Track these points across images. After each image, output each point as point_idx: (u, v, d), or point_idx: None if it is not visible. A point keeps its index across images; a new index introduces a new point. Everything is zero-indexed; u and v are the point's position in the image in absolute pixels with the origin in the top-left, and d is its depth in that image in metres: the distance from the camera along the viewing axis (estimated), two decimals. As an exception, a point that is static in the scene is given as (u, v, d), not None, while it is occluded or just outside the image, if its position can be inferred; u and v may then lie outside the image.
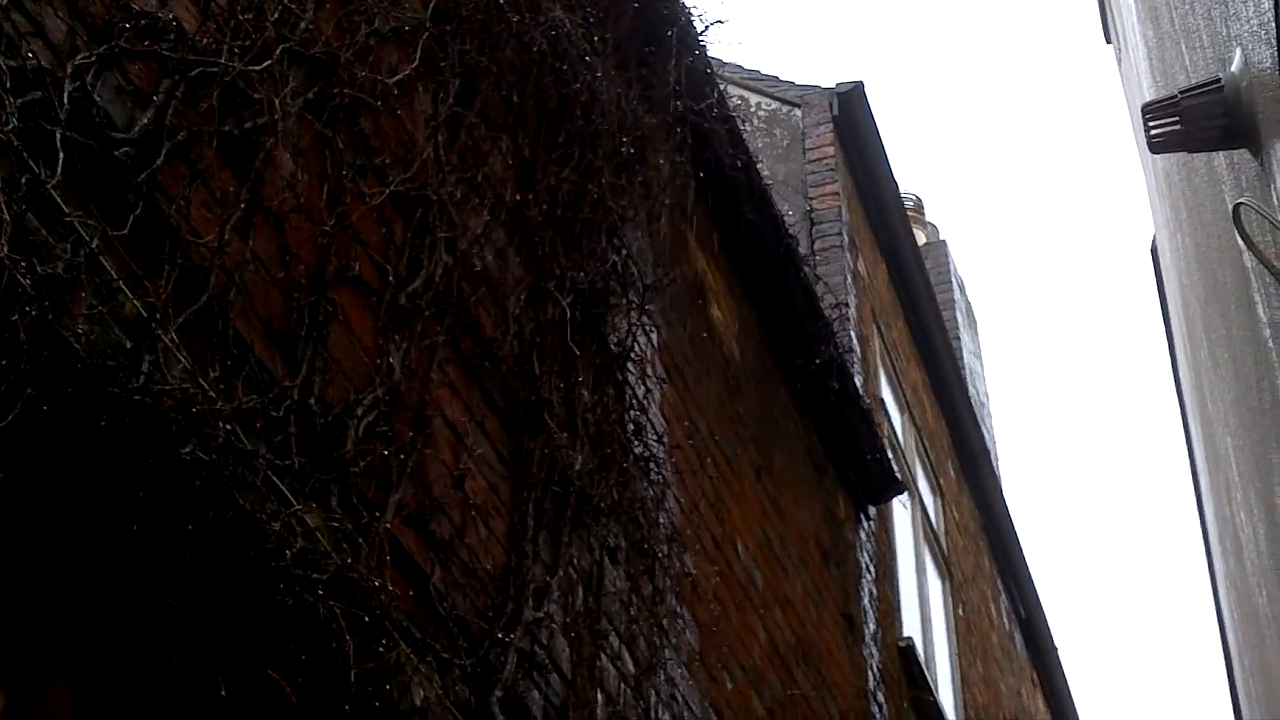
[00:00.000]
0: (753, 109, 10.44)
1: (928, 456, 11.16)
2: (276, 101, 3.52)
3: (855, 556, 8.21)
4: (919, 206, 16.66)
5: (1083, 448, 45.02)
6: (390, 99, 4.13)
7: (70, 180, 2.80)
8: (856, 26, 44.86)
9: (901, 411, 10.61)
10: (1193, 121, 4.10)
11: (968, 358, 15.36)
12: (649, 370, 5.62)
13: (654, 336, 5.77)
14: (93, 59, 2.98)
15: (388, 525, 3.56)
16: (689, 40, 6.35)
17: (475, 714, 3.70)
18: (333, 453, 3.45)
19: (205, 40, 3.35)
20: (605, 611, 4.77)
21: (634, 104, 5.70)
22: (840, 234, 9.68)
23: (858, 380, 8.70)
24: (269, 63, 3.52)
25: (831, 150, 10.12)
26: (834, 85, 10.52)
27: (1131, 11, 8.93)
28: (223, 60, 3.37)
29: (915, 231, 12.86)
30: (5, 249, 2.48)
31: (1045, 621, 13.80)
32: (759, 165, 7.25)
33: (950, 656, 10.44)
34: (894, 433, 10.14)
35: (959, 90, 47.20)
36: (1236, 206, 3.87)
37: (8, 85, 2.70)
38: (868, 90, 10.48)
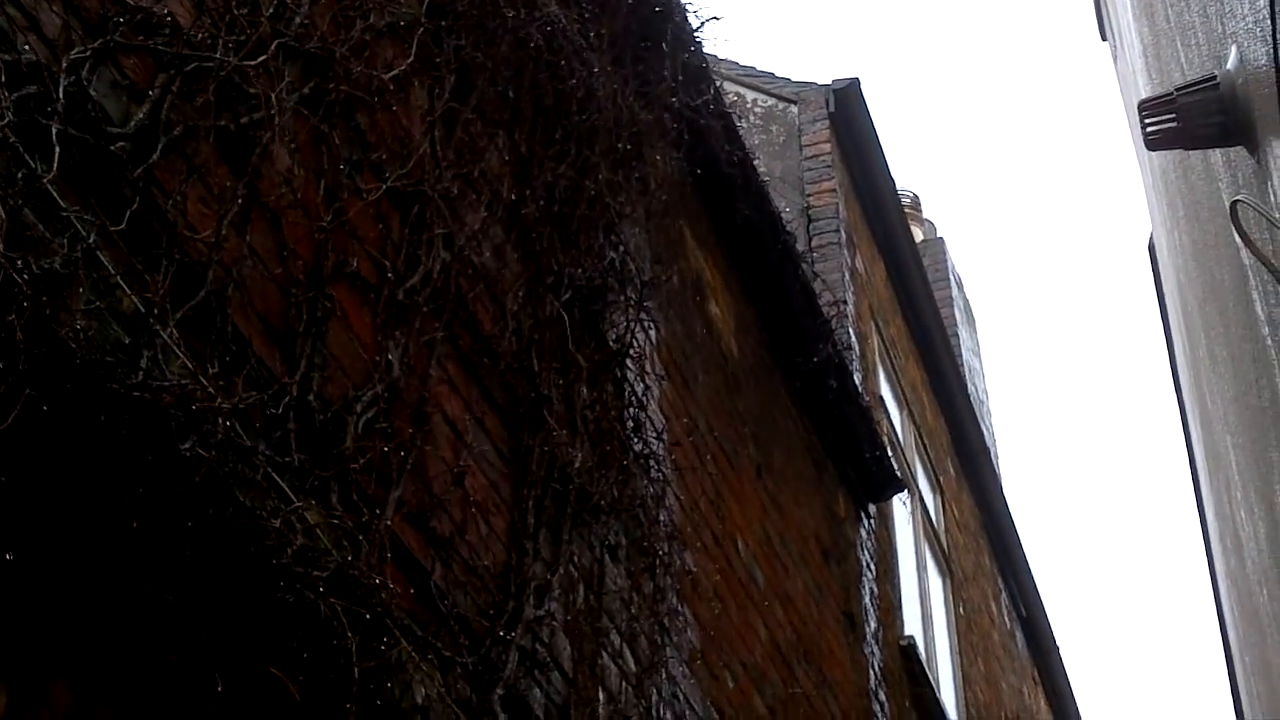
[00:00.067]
0: (749, 105, 10.43)
1: (927, 454, 11.16)
2: (273, 96, 3.50)
3: (856, 554, 8.20)
4: (916, 203, 16.66)
5: (1082, 445, 45.07)
6: (386, 94, 4.11)
7: (66, 175, 2.78)
8: (853, 23, 44.92)
9: (901, 409, 10.60)
10: (1189, 119, 4.09)
11: (966, 355, 15.36)
12: (648, 367, 5.61)
13: (652, 333, 5.76)
14: (88, 53, 2.96)
15: (388, 522, 3.54)
16: (685, 36, 6.34)
17: (477, 712, 3.69)
18: (332, 449, 3.43)
19: (200, 35, 3.34)
20: (606, 609, 4.76)
21: (630, 100, 5.69)
22: (838, 231, 9.67)
23: (857, 378, 8.68)
24: (265, 58, 3.51)
25: (828, 147, 10.11)
26: (830, 82, 10.51)
27: (1127, 8, 8.92)
28: (218, 55, 3.36)
29: (913, 228, 12.85)
30: (1, 245, 2.46)
31: (1046, 619, 13.80)
32: (756, 162, 7.25)
33: (951, 654, 10.43)
34: (893, 430, 10.13)
35: (955, 87, 47.24)
36: (1234, 204, 3.86)
37: (3, 80, 2.69)
38: (864, 87, 10.48)
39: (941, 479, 11.44)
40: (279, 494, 2.98)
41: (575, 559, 4.60)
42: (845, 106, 10.39)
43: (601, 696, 4.55)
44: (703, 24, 6.56)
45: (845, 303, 9.21)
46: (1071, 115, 47.31)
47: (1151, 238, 12.34)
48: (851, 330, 9.23)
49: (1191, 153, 5.38)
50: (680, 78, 6.22)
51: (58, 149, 2.76)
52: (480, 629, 3.92)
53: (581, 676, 4.44)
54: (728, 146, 6.72)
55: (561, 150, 5.16)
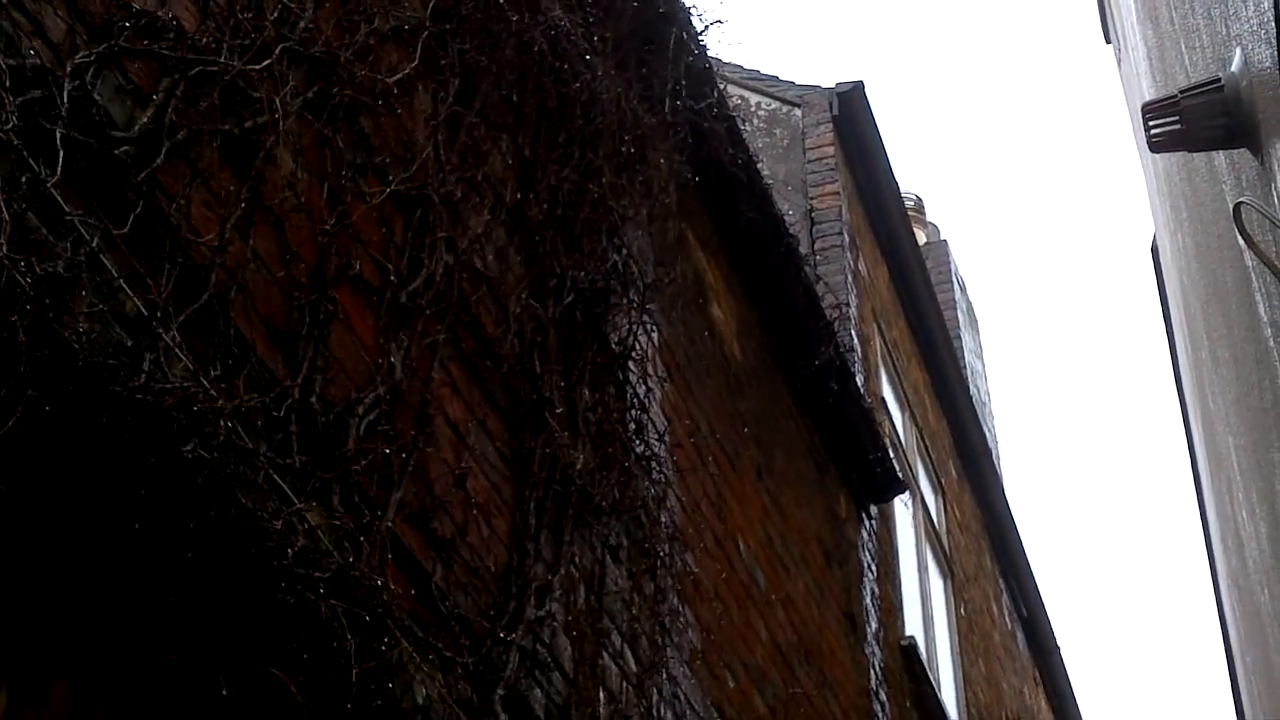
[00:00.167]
0: (753, 108, 10.44)
1: (929, 455, 11.16)
2: (276, 100, 3.52)
3: (857, 555, 8.21)
4: (919, 206, 16.66)
5: (1084, 447, 45.02)
6: (390, 98, 4.13)
7: (70, 179, 2.80)
8: (856, 26, 44.88)
9: (903, 411, 10.61)
10: (1193, 121, 4.09)
11: (969, 357, 15.36)
12: (650, 369, 5.62)
13: (655, 335, 5.77)
14: (92, 58, 2.98)
15: (389, 524, 3.56)
16: (688, 40, 6.35)
17: (478, 712, 3.70)
18: (334, 451, 3.45)
19: (205, 39, 3.35)
20: (607, 610, 4.77)
21: (634, 103, 5.70)
22: (841, 234, 9.68)
23: (859, 380, 8.69)
24: (269, 62, 3.53)
25: (831, 150, 10.11)
26: (834, 85, 10.51)
27: (1131, 11, 8.93)
28: (222, 59, 3.37)
29: (916, 231, 12.86)
30: (5, 248, 2.47)
31: (1047, 620, 13.80)
32: (759, 165, 7.25)
33: (952, 655, 10.44)
34: (895, 432, 10.13)
35: (959, 90, 47.21)
36: (1237, 206, 3.87)
37: (8, 84, 2.70)
38: (868, 90, 10.48)
39: (943, 480, 11.45)
40: (280, 496, 2.99)
41: (576, 560, 4.61)
42: (849, 110, 10.39)
43: (602, 697, 4.56)
44: (706, 27, 6.57)
45: (848, 305, 9.22)
46: (1075, 118, 47.28)
47: (1154, 240, 12.34)
48: (854, 332, 9.24)
49: (1195, 155, 5.39)
50: (684, 81, 6.23)
51: (62, 153, 2.77)
52: (481, 630, 3.93)
53: (582, 677, 4.45)
54: (731, 149, 6.73)
55: (565, 153, 5.17)
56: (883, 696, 7.96)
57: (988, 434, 13.89)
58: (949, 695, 9.95)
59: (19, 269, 2.48)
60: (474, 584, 3.99)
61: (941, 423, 11.94)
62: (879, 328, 10.23)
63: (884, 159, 10.78)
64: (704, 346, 6.44)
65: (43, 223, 2.61)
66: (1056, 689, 14.17)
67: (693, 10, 6.48)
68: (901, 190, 11.40)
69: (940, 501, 11.27)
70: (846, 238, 9.74)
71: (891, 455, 8.85)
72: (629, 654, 4.86)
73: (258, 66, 3.48)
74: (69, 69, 2.90)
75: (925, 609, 9.94)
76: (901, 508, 9.77)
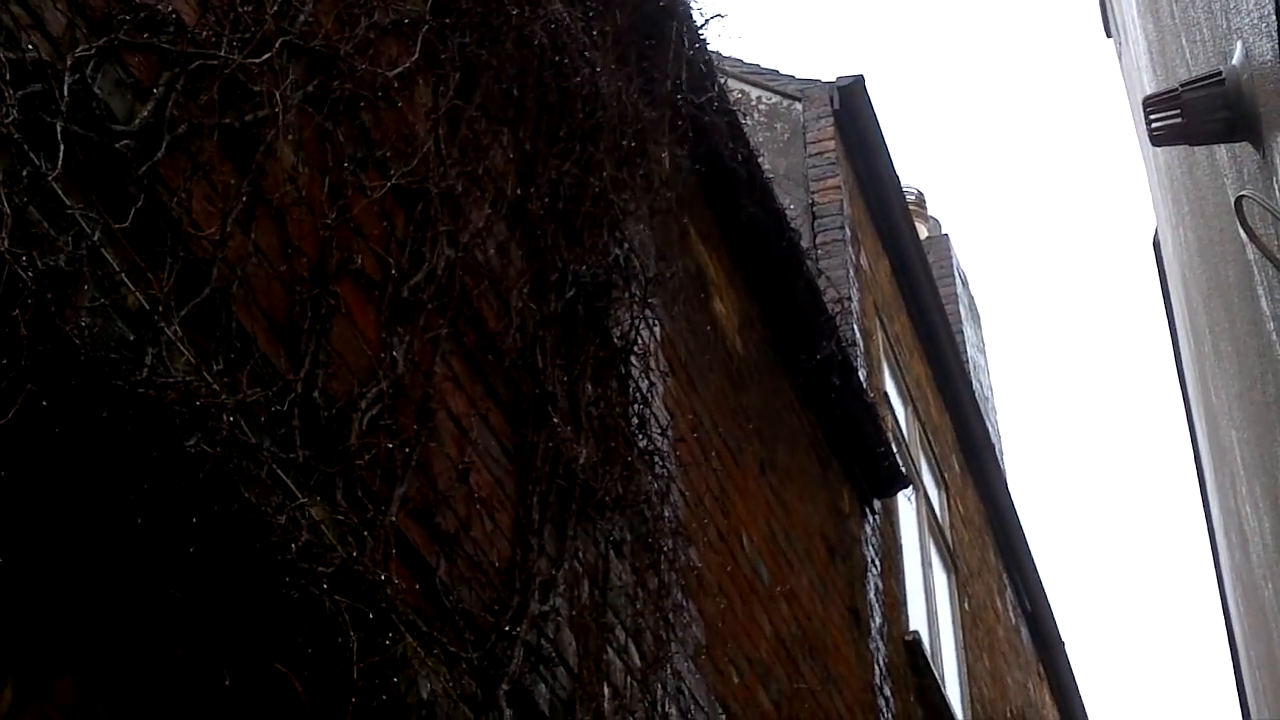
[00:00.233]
0: (753, 103, 10.43)
1: (932, 450, 11.16)
2: (277, 94, 3.51)
3: (860, 550, 8.20)
4: (921, 200, 16.65)
5: (1087, 441, 45.03)
6: (391, 92, 4.12)
7: (71, 173, 2.79)
8: (857, 20, 44.87)
9: (905, 405, 10.60)
10: (1194, 115, 4.09)
11: (971, 351, 15.35)
12: (652, 364, 5.62)
13: (657, 330, 5.76)
14: (92, 51, 2.97)
15: (393, 519, 3.55)
16: (689, 34, 6.34)
17: (482, 707, 3.69)
18: (337, 446, 3.44)
19: (205, 33, 3.34)
20: (611, 605, 4.77)
21: (635, 97, 5.70)
22: (842, 228, 9.67)
23: (861, 374, 8.68)
24: (269, 55, 3.52)
25: (832, 144, 10.11)
26: (835, 79, 10.51)
27: (1132, 5, 8.92)
28: (222, 53, 3.36)
29: (917, 225, 12.84)
30: (6, 242, 2.47)
31: (1051, 615, 13.79)
32: (760, 159, 7.24)
33: (956, 650, 10.43)
34: (898, 426, 10.13)
35: (960, 84, 47.20)
36: (1239, 199, 3.86)
37: (8, 78, 2.69)
38: (869, 84, 10.48)
39: (946, 475, 11.44)
40: (284, 490, 2.98)
41: (580, 555, 4.61)
42: (850, 104, 10.39)
43: (606, 692, 4.56)
44: (707, 21, 6.57)
45: (849, 299, 9.21)
46: (1076, 112, 47.28)
47: (1156, 234, 12.33)
48: (856, 327, 9.23)
49: (1196, 148, 5.38)
50: (685, 75, 6.22)
51: (62, 147, 2.76)
52: (485, 624, 3.93)
53: (586, 672, 4.45)
54: (732, 144, 6.72)
55: (566, 147, 5.17)
56: (887, 691, 7.96)
57: (990, 428, 13.88)
58: (953, 690, 9.95)
59: (20, 263, 2.47)
60: (478, 579, 3.98)
61: (944, 417, 11.94)
62: (881, 322, 10.22)
63: (885, 153, 10.77)
64: (706, 341, 6.43)
65: (44, 217, 2.61)
66: (1060, 684, 14.17)
67: (693, 4, 6.47)
68: (903, 184, 11.39)
69: (943, 496, 11.26)
70: (848, 232, 9.74)
71: (894, 450, 8.84)
72: (633, 649, 4.85)
73: (258, 60, 3.48)
74: (69, 63, 2.89)
75: (929, 604, 9.94)
76: (905, 502, 9.76)
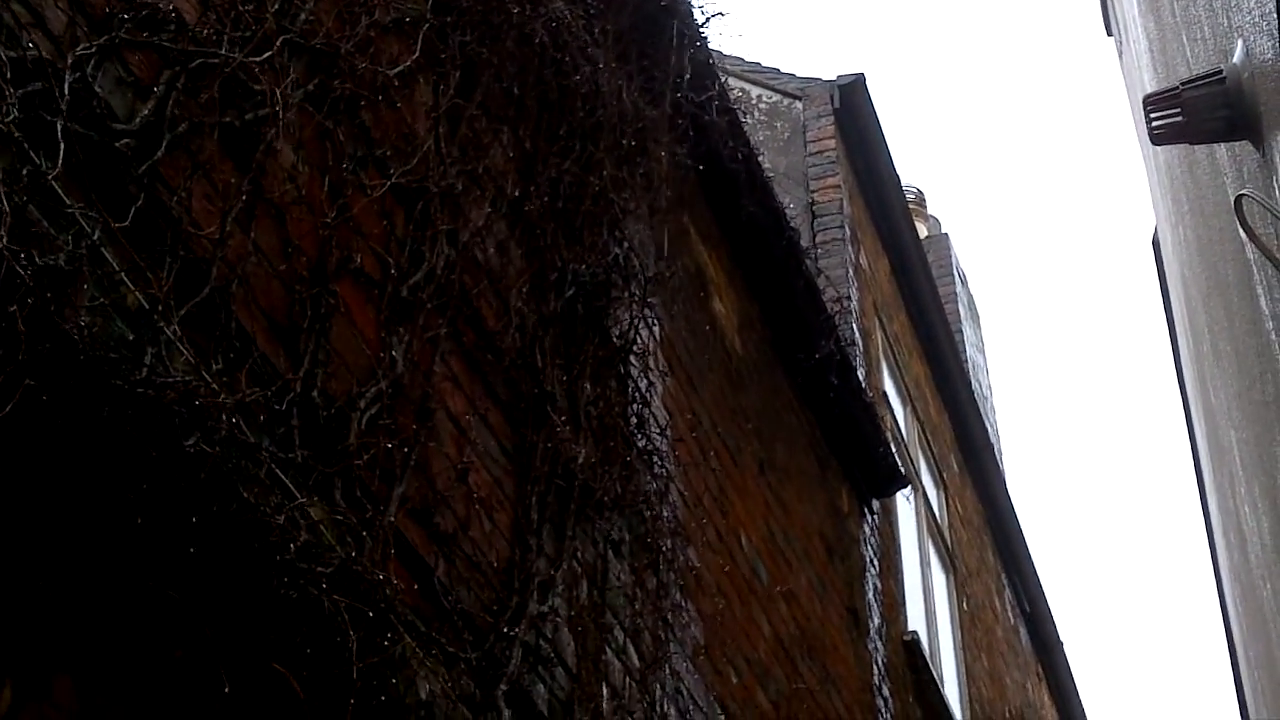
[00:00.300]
0: (754, 101, 10.42)
1: (931, 450, 11.15)
2: (277, 93, 3.50)
3: (859, 550, 8.20)
4: (921, 199, 16.65)
5: (1086, 441, 45.05)
6: (391, 91, 4.11)
7: (71, 171, 2.79)
8: (857, 19, 44.87)
9: (904, 405, 10.60)
10: (1194, 113, 4.09)
11: (970, 351, 15.35)
12: (651, 363, 5.61)
13: (656, 329, 5.76)
14: (93, 50, 2.96)
15: (391, 519, 3.55)
16: (690, 32, 6.33)
17: (480, 708, 3.69)
18: (336, 446, 3.44)
19: (205, 31, 3.34)
20: (610, 605, 4.76)
21: (635, 96, 5.69)
22: (842, 227, 9.67)
23: (860, 374, 8.68)
24: (269, 54, 3.51)
25: (833, 143, 10.10)
26: (835, 78, 10.50)
27: (1133, 3, 8.92)
28: (223, 51, 3.36)
29: (917, 224, 12.84)
30: (6, 240, 2.46)
31: (1050, 615, 13.79)
32: (760, 158, 7.24)
33: (955, 650, 10.43)
34: (897, 426, 10.13)
35: (960, 83, 47.21)
36: (1238, 198, 3.86)
37: (8, 76, 2.69)
38: (869, 83, 10.48)
39: (945, 474, 11.44)
40: (282, 490, 2.98)
41: (579, 555, 4.60)
42: (850, 102, 10.38)
43: (605, 692, 4.56)
44: (707, 20, 6.56)
45: (849, 299, 9.21)
46: (1076, 110, 47.29)
47: (1156, 232, 12.33)
48: (855, 326, 9.23)
49: (1196, 147, 5.38)
50: (685, 74, 6.22)
51: (62, 145, 2.76)
52: (484, 625, 3.92)
53: (585, 672, 4.44)
54: (732, 142, 6.72)
55: (566, 146, 5.16)
56: (886, 692, 7.96)
57: (989, 428, 13.88)
58: (952, 690, 9.95)
59: (20, 261, 2.46)
60: (476, 579, 3.98)
61: (943, 416, 11.94)
62: (880, 321, 10.22)
63: (885, 152, 10.77)
64: (705, 340, 6.43)
65: (43, 215, 2.60)
66: (1059, 684, 14.17)
67: (694, 3, 6.47)
68: (903, 183, 11.39)
69: (942, 496, 11.26)
70: (847, 231, 9.73)
71: (893, 449, 8.84)
72: (632, 649, 4.85)
73: (259, 59, 3.47)
74: (70, 61, 2.89)
75: (928, 604, 9.94)
76: (903, 502, 9.76)
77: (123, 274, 2.77)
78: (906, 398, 10.68)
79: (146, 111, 3.09)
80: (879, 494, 8.76)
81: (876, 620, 8.14)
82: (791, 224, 7.52)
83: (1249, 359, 5.15)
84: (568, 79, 5.22)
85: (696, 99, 6.33)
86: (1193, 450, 12.71)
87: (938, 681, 9.12)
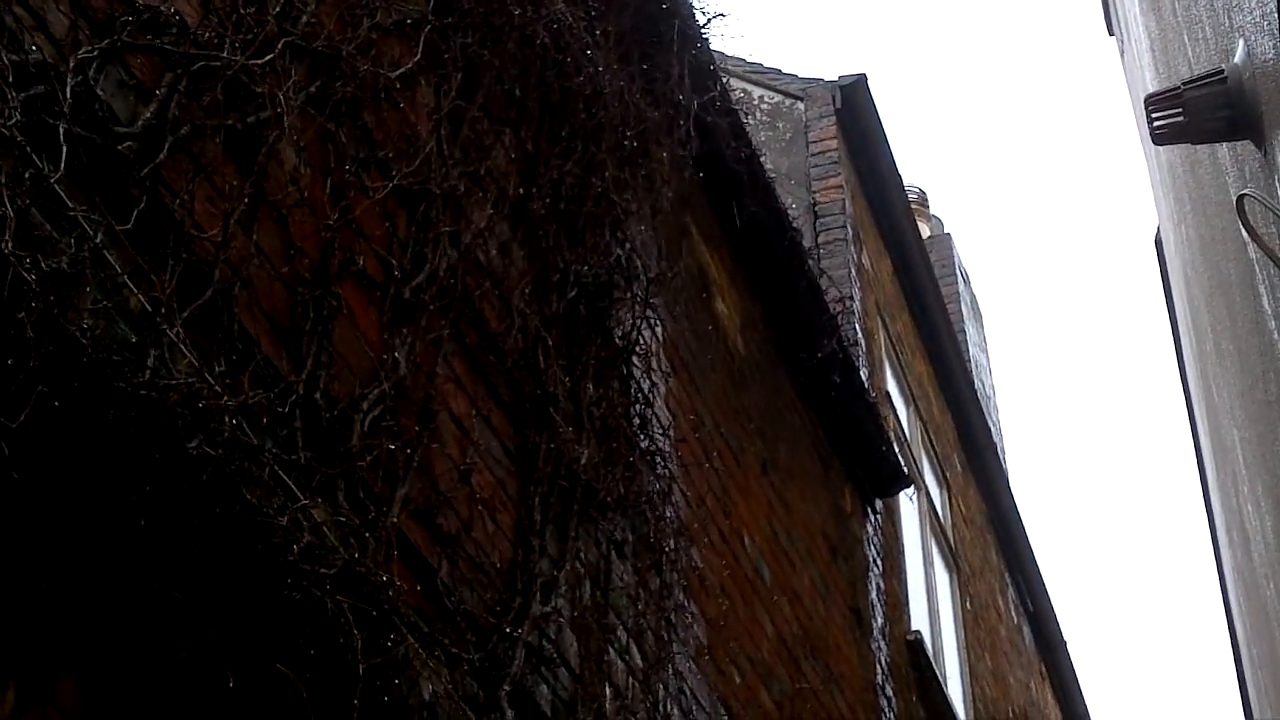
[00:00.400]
0: (755, 102, 10.42)
1: (934, 449, 11.15)
2: (279, 95, 3.51)
3: (862, 550, 8.20)
4: (923, 199, 16.64)
5: (1089, 440, 45.03)
6: (393, 93, 4.12)
7: (73, 175, 2.79)
8: (859, 19, 44.86)
9: (907, 405, 10.60)
10: (1196, 113, 4.08)
11: (973, 350, 15.35)
12: (654, 364, 5.62)
13: (658, 330, 5.76)
14: (95, 53, 2.97)
15: (394, 520, 3.55)
16: (691, 33, 6.34)
17: (484, 708, 3.69)
18: (339, 447, 3.44)
19: (207, 34, 3.34)
20: (613, 606, 4.77)
21: (637, 97, 5.69)
22: (844, 227, 9.67)
23: (863, 374, 8.68)
24: (271, 56, 3.52)
25: (835, 143, 10.10)
26: (837, 78, 10.50)
27: (1134, 3, 8.92)
28: (225, 54, 3.36)
29: (919, 224, 12.84)
30: (9, 244, 2.47)
31: (1053, 614, 13.79)
32: (762, 158, 7.24)
33: (958, 650, 10.43)
34: (900, 426, 10.13)
35: (962, 83, 47.20)
36: (1240, 198, 3.86)
37: (11, 80, 2.69)
38: (871, 83, 10.47)
39: (948, 474, 11.44)
40: (285, 492, 2.99)
41: (582, 555, 4.61)
42: (852, 102, 10.38)
43: (608, 692, 4.56)
44: (709, 21, 6.57)
45: (851, 299, 9.21)
46: (1079, 110, 47.27)
47: (1158, 232, 12.34)
48: (858, 326, 9.23)
49: (1198, 147, 5.38)
50: (687, 75, 6.22)
51: (65, 149, 2.76)
52: (487, 625, 3.93)
53: (588, 673, 4.45)
54: (734, 143, 6.72)
55: (568, 148, 5.17)
56: (889, 691, 7.96)
57: (992, 427, 13.88)
58: (955, 690, 9.95)
59: (24, 265, 2.47)
60: (479, 580, 3.99)
61: (946, 416, 11.94)
62: (883, 321, 10.22)
63: (887, 152, 10.76)
64: (708, 341, 6.43)
65: (46, 219, 2.61)
66: (1063, 683, 14.17)
67: (695, 4, 6.47)
68: (905, 183, 11.39)
69: (945, 495, 11.26)
70: (850, 231, 9.73)
71: (896, 449, 8.84)
72: (635, 649, 4.85)
73: (260, 61, 3.48)
74: (72, 64, 2.89)
75: (931, 603, 9.94)
76: (906, 502, 9.76)
77: (125, 277, 2.77)
78: (909, 397, 10.68)
79: (148, 114, 3.10)
80: (882, 494, 8.77)
81: (880, 620, 8.14)
82: (794, 224, 7.52)
83: (1251, 358, 5.16)
84: (569, 80, 5.22)
85: (698, 100, 6.33)
86: (1196, 449, 12.71)
87: (941, 681, 9.12)
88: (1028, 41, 47.46)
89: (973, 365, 14.63)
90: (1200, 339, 8.75)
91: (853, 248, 9.70)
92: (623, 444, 5.03)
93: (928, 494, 10.64)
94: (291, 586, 2.88)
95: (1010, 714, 11.59)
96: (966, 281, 16.37)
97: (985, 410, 13.39)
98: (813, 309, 7.61)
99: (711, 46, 6.61)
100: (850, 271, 9.43)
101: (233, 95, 3.39)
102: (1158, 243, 12.47)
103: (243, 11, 3.48)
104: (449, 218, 4.23)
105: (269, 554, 2.86)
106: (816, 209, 9.76)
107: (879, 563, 8.49)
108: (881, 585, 8.40)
